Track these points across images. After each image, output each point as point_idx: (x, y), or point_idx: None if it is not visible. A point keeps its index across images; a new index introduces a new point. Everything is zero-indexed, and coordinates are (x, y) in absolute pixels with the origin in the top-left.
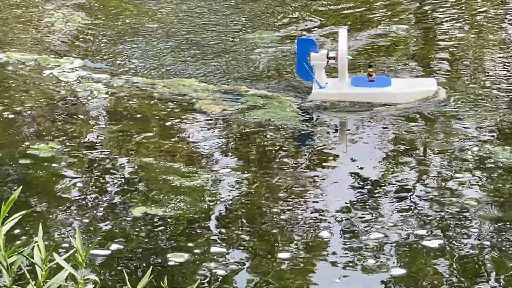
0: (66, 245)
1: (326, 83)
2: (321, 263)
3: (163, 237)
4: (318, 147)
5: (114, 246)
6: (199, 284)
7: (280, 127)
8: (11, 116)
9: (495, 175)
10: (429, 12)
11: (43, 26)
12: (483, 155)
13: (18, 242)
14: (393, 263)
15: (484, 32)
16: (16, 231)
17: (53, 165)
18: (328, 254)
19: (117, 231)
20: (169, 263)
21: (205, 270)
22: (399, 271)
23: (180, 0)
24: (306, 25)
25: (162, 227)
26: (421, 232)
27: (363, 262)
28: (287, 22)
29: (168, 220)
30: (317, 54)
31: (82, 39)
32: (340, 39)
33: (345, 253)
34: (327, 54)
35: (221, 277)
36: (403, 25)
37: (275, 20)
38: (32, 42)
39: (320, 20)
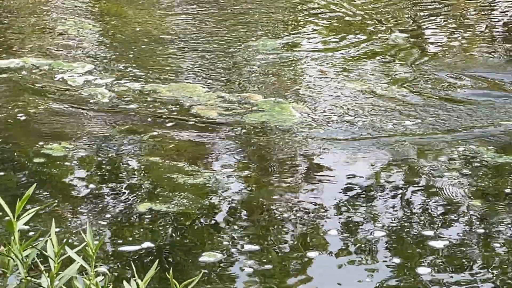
0: (77, 239)
1: None
2: (323, 262)
3: (166, 233)
4: (314, 146)
5: (121, 242)
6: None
7: (276, 128)
8: (25, 117)
9: None
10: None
11: (57, 33)
12: None
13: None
14: (412, 263)
15: None
16: (31, 225)
17: (65, 163)
18: (331, 253)
19: (122, 228)
20: (172, 259)
21: (205, 266)
22: (424, 271)
23: (188, 8)
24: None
25: (165, 223)
26: (427, 232)
27: (371, 261)
28: (291, 31)
29: (171, 216)
30: None
31: (92, 45)
32: None
33: (351, 252)
34: None
35: (221, 275)
36: (402, 33)
37: (280, 28)
38: (47, 48)
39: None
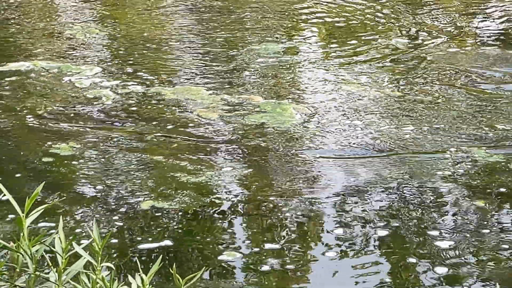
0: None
1: None
2: (324, 262)
3: (168, 231)
4: (313, 146)
5: (125, 240)
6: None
7: (275, 129)
8: (33, 119)
9: None
10: None
11: (65, 37)
12: None
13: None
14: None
15: None
16: (39, 223)
17: (73, 162)
18: (332, 253)
19: (127, 225)
20: (174, 255)
21: (207, 261)
22: (441, 270)
23: (192, 13)
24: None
25: (167, 221)
26: (433, 233)
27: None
28: (293, 35)
29: (173, 213)
30: None
31: (99, 48)
32: None
33: (352, 252)
34: None
35: (222, 273)
36: (402, 39)
37: (281, 32)
38: (56, 52)
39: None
